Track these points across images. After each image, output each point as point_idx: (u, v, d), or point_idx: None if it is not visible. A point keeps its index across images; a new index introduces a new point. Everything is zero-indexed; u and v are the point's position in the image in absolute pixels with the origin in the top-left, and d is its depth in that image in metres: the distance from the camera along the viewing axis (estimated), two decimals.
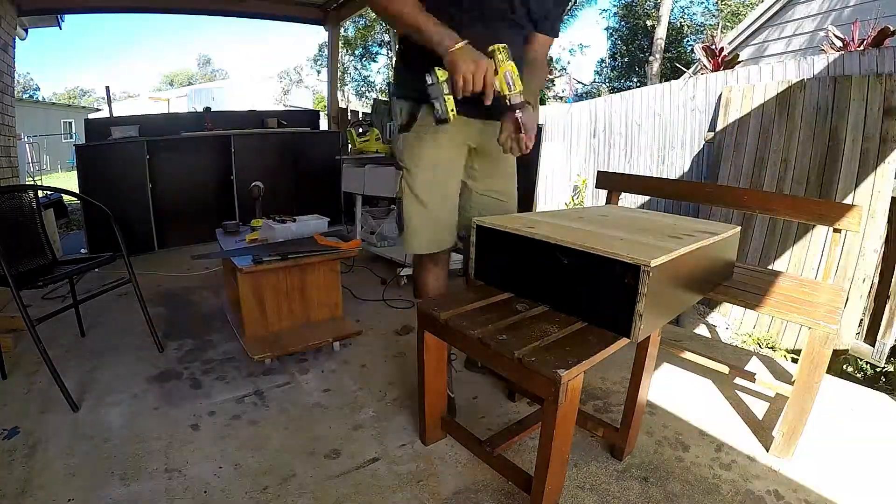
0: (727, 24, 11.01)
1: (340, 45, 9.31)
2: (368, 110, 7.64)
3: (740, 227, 1.46)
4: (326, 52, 5.92)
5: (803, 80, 2.98)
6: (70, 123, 16.38)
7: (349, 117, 6.02)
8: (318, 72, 20.17)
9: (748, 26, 5.64)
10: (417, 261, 1.58)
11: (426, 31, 1.19)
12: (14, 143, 3.54)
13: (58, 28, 4.82)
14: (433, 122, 1.28)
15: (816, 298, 1.47)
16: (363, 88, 20.61)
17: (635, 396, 1.35)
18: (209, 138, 4.27)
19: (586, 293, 1.12)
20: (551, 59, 16.78)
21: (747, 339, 2.92)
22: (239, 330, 2.08)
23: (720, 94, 3.48)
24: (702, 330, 2.98)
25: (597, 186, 2.29)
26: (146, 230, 3.88)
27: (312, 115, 5.91)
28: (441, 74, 1.20)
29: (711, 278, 1.43)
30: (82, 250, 3.74)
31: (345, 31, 16.99)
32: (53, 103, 22.59)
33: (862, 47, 3.33)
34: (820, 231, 2.76)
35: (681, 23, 14.36)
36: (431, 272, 1.57)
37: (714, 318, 3.18)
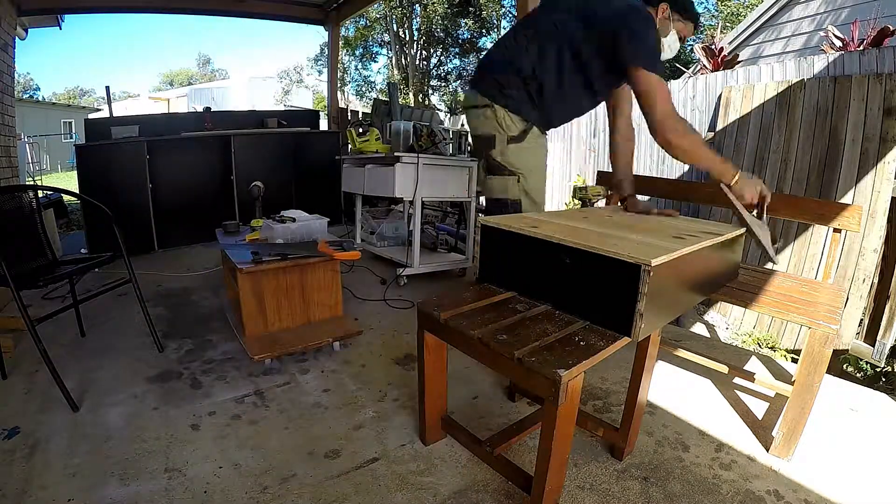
0: (727, 24, 11.01)
1: (340, 45, 9.31)
2: (368, 110, 7.65)
3: (745, 229, 1.46)
4: (326, 52, 5.93)
5: (803, 80, 2.98)
6: (70, 123, 16.37)
7: (349, 117, 6.03)
8: (319, 72, 20.17)
9: (747, 27, 5.64)
10: None
11: (714, 167, 1.46)
12: (14, 143, 3.54)
13: (58, 28, 4.82)
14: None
15: (816, 298, 1.47)
16: (363, 88, 20.60)
17: (635, 396, 1.35)
18: (209, 138, 4.27)
19: (588, 292, 1.12)
20: None
21: (747, 338, 2.92)
22: (239, 330, 2.08)
23: (720, 94, 3.48)
24: (701, 329, 2.98)
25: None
26: (146, 230, 3.88)
27: (312, 115, 5.91)
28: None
29: (716, 279, 1.43)
30: (82, 250, 3.73)
31: (345, 31, 16.98)
32: (53, 103, 22.53)
33: (862, 47, 3.33)
34: (820, 231, 2.76)
35: None
36: None
37: (714, 317, 3.18)
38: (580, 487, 1.28)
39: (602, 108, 1.87)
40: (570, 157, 5.22)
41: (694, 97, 3.77)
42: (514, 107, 1.60)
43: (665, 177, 4.03)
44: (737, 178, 1.43)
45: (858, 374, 2.58)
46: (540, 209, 1.68)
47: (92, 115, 8.90)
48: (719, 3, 13.21)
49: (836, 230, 1.69)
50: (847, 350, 2.63)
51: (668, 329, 2.35)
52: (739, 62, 4.25)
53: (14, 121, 3.53)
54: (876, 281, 2.59)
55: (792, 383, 1.46)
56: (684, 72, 6.46)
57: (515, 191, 1.65)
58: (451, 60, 19.90)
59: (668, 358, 1.96)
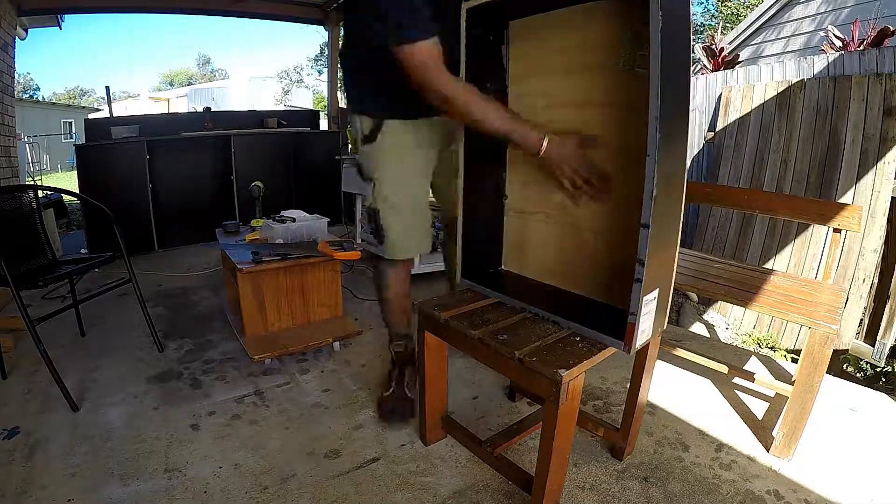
0: (727, 24, 11.01)
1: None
2: None
3: None
4: (326, 52, 5.92)
5: (803, 80, 2.97)
6: (70, 123, 16.35)
7: (349, 117, 6.02)
8: (319, 72, 20.17)
9: (747, 27, 5.64)
10: (388, 265, 1.53)
11: (512, 133, 1.11)
12: (14, 143, 3.54)
13: (58, 28, 4.82)
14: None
15: (816, 298, 1.47)
16: None
17: (635, 396, 1.34)
18: (209, 138, 4.26)
19: None
20: None
21: (747, 338, 2.92)
22: (239, 330, 2.08)
23: (720, 94, 3.48)
24: (701, 329, 2.98)
25: None
26: (146, 230, 3.87)
27: (312, 115, 5.91)
28: None
29: None
30: (82, 250, 3.73)
31: None
32: (53, 103, 22.52)
33: (862, 47, 3.33)
34: (820, 231, 2.75)
35: None
36: (400, 273, 1.57)
37: (714, 317, 3.18)
38: (580, 487, 1.28)
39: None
40: None
41: (694, 97, 3.76)
42: (357, 106, 1.43)
43: None
44: (545, 143, 1.09)
45: (858, 374, 2.57)
46: (410, 217, 1.44)
47: (92, 115, 8.91)
48: (719, 3, 13.22)
49: (836, 230, 1.69)
50: (847, 350, 2.62)
51: (668, 329, 2.35)
52: (740, 62, 4.25)
53: (14, 121, 3.53)
54: (876, 281, 2.58)
55: (792, 383, 1.46)
56: None
57: (371, 199, 1.44)
58: None
59: (668, 358, 1.96)
